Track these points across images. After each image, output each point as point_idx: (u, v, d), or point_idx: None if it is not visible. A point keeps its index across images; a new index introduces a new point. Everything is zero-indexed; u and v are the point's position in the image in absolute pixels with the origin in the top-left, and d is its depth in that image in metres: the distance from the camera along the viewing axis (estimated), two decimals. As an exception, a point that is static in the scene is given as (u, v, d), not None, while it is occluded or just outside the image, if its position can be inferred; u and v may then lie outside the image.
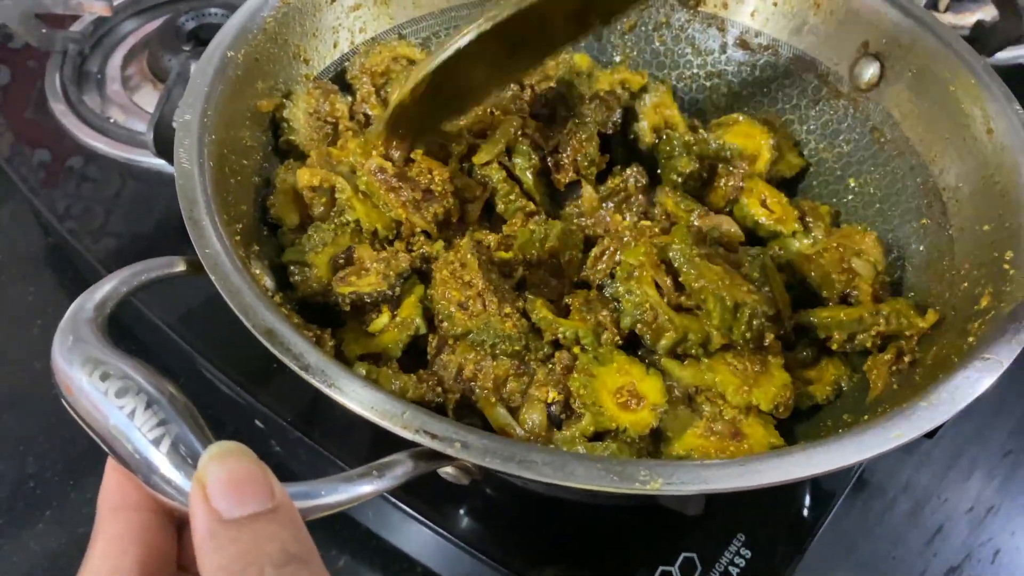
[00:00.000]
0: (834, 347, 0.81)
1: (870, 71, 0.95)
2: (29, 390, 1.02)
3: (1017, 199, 0.76)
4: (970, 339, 0.67)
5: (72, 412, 0.54)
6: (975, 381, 0.62)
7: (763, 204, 0.92)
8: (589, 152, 0.90)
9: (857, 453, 0.57)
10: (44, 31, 1.21)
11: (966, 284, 0.77)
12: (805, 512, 0.85)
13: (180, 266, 0.65)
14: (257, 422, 0.90)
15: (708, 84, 1.08)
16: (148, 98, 1.20)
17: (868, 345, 0.79)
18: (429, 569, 0.90)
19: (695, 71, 1.08)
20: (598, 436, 0.71)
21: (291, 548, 0.44)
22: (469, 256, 0.74)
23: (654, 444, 0.72)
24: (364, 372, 0.69)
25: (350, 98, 0.94)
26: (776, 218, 0.91)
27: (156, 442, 0.50)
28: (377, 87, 0.95)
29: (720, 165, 0.94)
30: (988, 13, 1.32)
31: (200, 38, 1.24)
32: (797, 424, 0.77)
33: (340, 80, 0.97)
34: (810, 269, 0.86)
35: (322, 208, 0.83)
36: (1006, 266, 0.72)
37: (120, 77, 1.23)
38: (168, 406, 0.51)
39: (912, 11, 0.91)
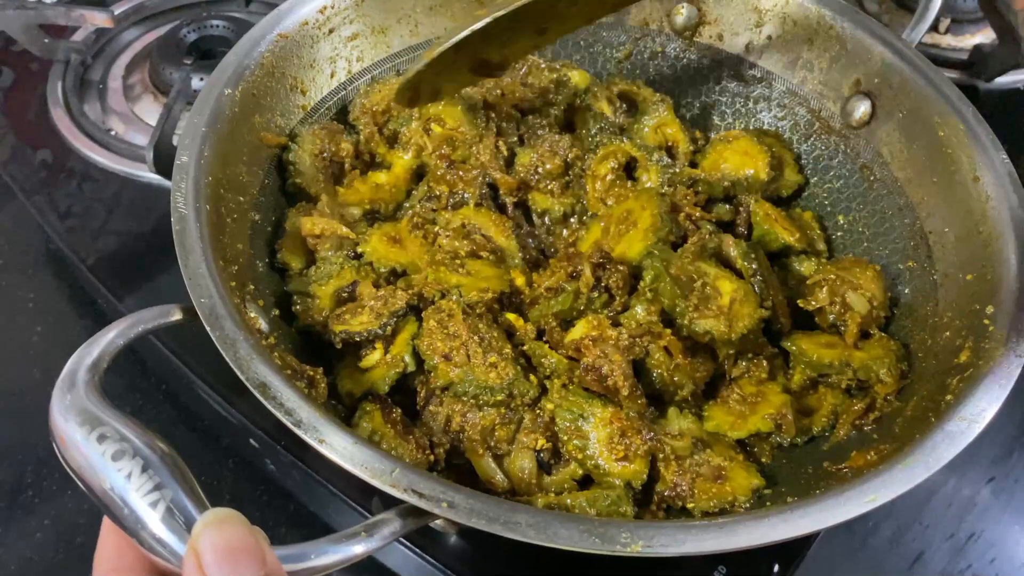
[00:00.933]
0: (796, 379, 0.83)
1: (861, 109, 0.96)
2: (28, 398, 1.03)
3: (999, 251, 0.77)
4: (948, 396, 0.69)
5: (65, 466, 0.56)
6: (950, 445, 0.64)
7: (776, 222, 0.94)
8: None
9: (832, 517, 0.59)
10: (46, 40, 1.22)
11: (948, 333, 0.78)
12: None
13: (176, 315, 0.66)
14: (252, 441, 0.91)
15: (700, 113, 1.09)
16: (148, 108, 1.21)
17: (843, 386, 0.82)
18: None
19: (690, 100, 1.09)
20: (587, 479, 0.73)
21: None
22: (455, 307, 0.75)
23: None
24: (369, 428, 0.71)
25: (355, 135, 0.96)
26: (789, 232, 0.93)
27: (152, 505, 0.51)
28: (379, 125, 0.96)
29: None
30: (987, 36, 1.33)
31: (201, 50, 1.24)
32: (779, 466, 0.79)
33: (342, 118, 0.99)
34: (807, 293, 0.88)
35: (328, 253, 0.85)
36: (986, 321, 0.73)
37: (122, 87, 1.24)
38: (163, 469, 0.53)
39: (905, 53, 0.92)
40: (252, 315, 0.71)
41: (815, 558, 0.88)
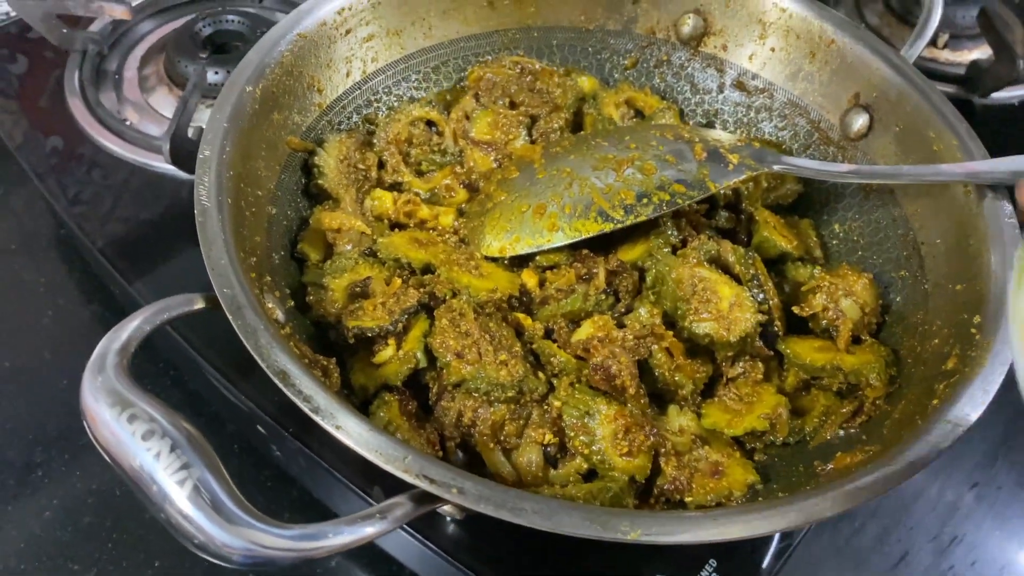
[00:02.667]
0: (790, 380, 0.87)
1: (859, 122, 0.99)
2: (40, 379, 1.05)
3: (987, 264, 0.80)
4: (935, 401, 0.72)
5: (96, 444, 0.59)
6: (934, 446, 0.67)
7: (776, 230, 0.97)
8: None
9: (819, 512, 0.62)
10: (64, 31, 1.23)
11: (936, 341, 0.81)
12: (776, 536, 0.88)
13: (199, 303, 0.69)
14: (259, 427, 0.93)
15: (704, 121, 1.12)
16: (163, 100, 1.23)
17: (834, 388, 0.85)
18: (416, 574, 0.94)
19: (693, 107, 1.12)
20: (592, 472, 0.76)
21: None
22: (466, 307, 0.78)
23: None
24: (386, 418, 0.74)
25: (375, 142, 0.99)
26: (787, 240, 0.96)
27: (180, 483, 0.54)
28: (403, 153, 1.00)
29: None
30: (984, 52, 1.35)
31: (216, 43, 1.26)
32: (772, 463, 0.82)
33: (358, 117, 1.02)
34: (802, 299, 0.91)
35: (347, 247, 0.88)
36: (973, 331, 0.76)
37: (137, 78, 1.26)
38: (190, 450, 0.56)
39: (903, 69, 0.95)
40: (270, 305, 0.74)
41: (802, 556, 0.91)
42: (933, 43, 1.41)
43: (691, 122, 1.12)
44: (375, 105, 1.04)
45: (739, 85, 1.08)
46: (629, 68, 1.12)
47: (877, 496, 0.64)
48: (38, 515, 0.95)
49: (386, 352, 0.80)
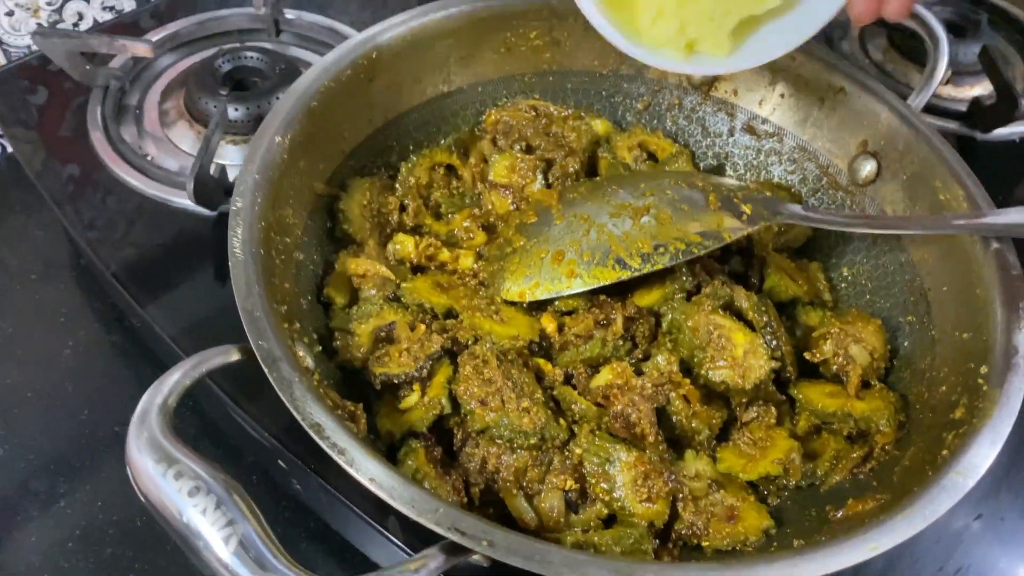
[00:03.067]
0: (802, 424, 0.89)
1: (867, 168, 1.02)
2: (62, 410, 1.07)
3: (994, 313, 0.82)
4: (944, 452, 0.74)
5: (141, 496, 0.61)
6: (947, 497, 0.70)
7: (787, 274, 0.99)
8: None
9: (837, 563, 0.65)
10: (88, 67, 1.26)
11: (944, 388, 0.84)
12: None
13: (235, 355, 0.71)
14: (280, 462, 0.95)
15: (715, 164, 1.15)
16: (182, 134, 1.25)
17: (844, 433, 0.87)
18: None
19: (704, 150, 1.15)
20: (612, 517, 0.79)
21: None
22: (489, 354, 0.81)
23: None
24: (414, 466, 0.77)
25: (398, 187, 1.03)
26: (798, 285, 0.99)
27: (225, 540, 0.57)
28: (423, 197, 1.03)
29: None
30: (986, 89, 1.38)
31: (235, 79, 1.29)
32: (785, 507, 0.85)
33: (380, 161, 1.05)
34: (812, 345, 0.93)
35: (371, 291, 0.91)
36: (980, 380, 0.78)
37: (157, 112, 1.28)
38: (234, 506, 0.58)
39: (909, 119, 0.98)
40: (300, 353, 0.76)
41: None
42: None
43: (702, 164, 1.14)
44: (397, 149, 1.06)
45: (749, 129, 1.11)
46: (642, 111, 1.15)
47: (892, 546, 0.66)
48: (61, 545, 0.96)
49: (412, 398, 0.82)
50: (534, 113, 1.10)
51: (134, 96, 1.31)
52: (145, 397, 0.65)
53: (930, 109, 1.35)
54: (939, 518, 1.04)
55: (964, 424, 0.76)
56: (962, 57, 1.42)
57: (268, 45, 1.38)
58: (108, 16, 1.46)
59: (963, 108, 1.36)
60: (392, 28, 1.01)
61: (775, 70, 1.07)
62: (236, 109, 1.21)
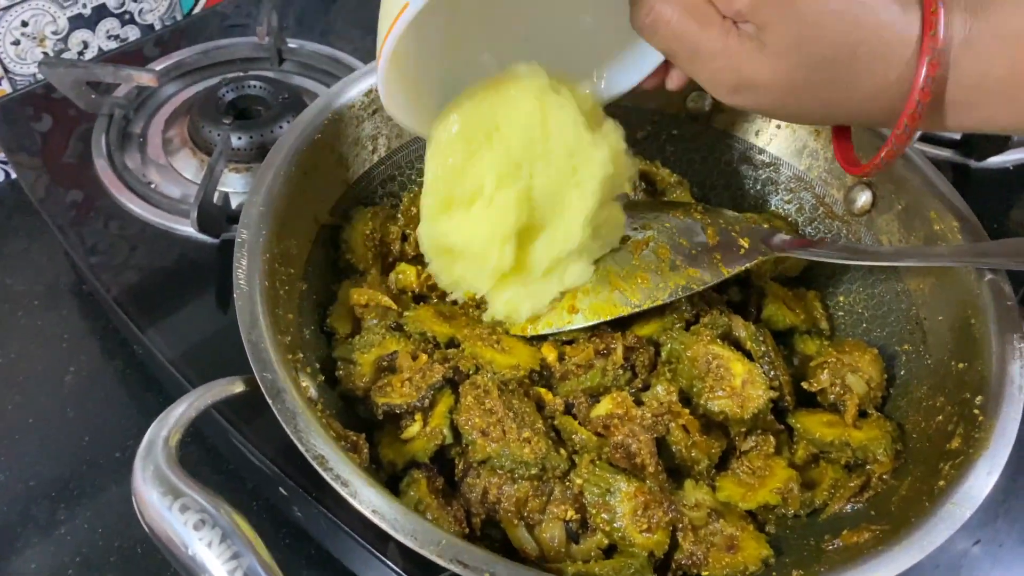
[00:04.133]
0: (800, 453, 0.90)
1: (863, 198, 1.03)
2: (63, 436, 1.07)
3: (989, 346, 0.83)
4: (940, 482, 0.75)
5: (147, 528, 0.62)
6: (944, 528, 0.70)
7: (784, 303, 1.00)
8: None
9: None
10: (93, 96, 1.28)
11: (940, 417, 0.85)
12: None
13: (239, 386, 0.72)
14: (281, 489, 0.95)
15: (712, 194, 1.16)
16: (185, 162, 1.27)
17: (842, 462, 0.88)
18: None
19: (702, 179, 1.16)
20: (612, 547, 0.79)
21: None
22: (491, 384, 0.82)
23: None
24: (416, 497, 0.77)
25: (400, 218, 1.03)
26: (795, 314, 1.00)
27: (231, 573, 0.58)
28: None
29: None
30: None
31: (238, 108, 1.31)
32: (783, 536, 0.85)
33: (383, 190, 1.06)
34: (809, 375, 0.94)
35: (374, 321, 0.92)
36: (976, 411, 0.79)
37: (161, 140, 1.30)
38: (239, 540, 0.59)
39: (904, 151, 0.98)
40: (304, 384, 0.77)
41: None
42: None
43: (701, 193, 1.15)
44: (399, 179, 1.07)
45: (747, 160, 1.13)
46: (641, 140, 1.17)
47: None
48: (61, 572, 0.96)
49: (414, 428, 0.83)
50: None
51: (138, 124, 1.33)
52: (151, 430, 0.65)
53: (924, 137, 1.37)
54: (939, 544, 1.07)
55: (960, 455, 0.77)
56: (957, 85, 1.43)
57: (271, 74, 1.39)
58: (113, 45, 1.48)
59: (957, 136, 1.38)
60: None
61: None
62: (239, 138, 1.22)
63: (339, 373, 0.87)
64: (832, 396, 0.92)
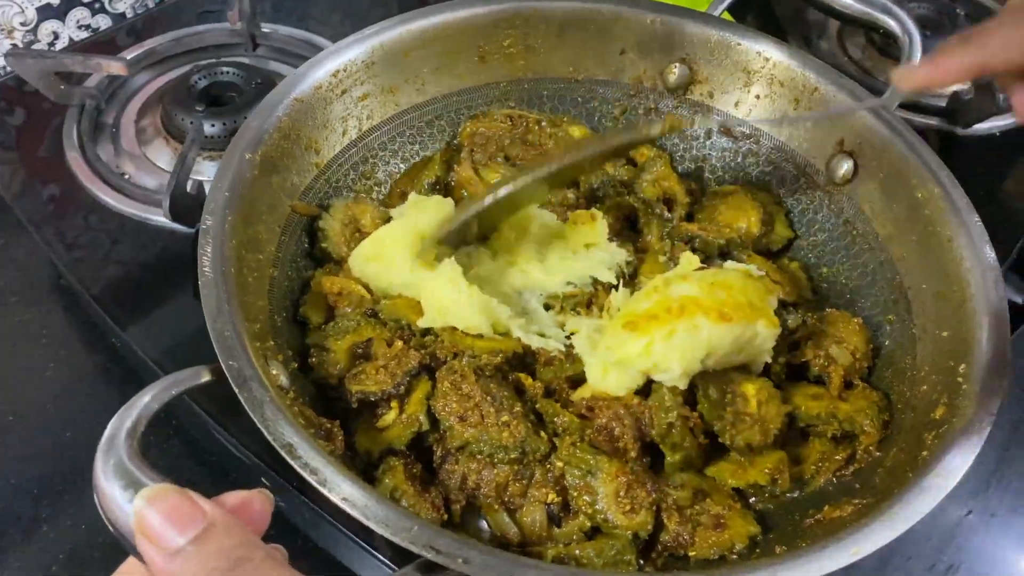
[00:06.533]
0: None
1: (844, 167, 1.02)
2: (43, 432, 1.06)
3: (972, 311, 0.82)
4: (924, 453, 0.74)
5: (108, 523, 0.60)
6: (927, 500, 0.69)
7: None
8: None
9: (818, 569, 0.64)
10: (62, 87, 1.25)
11: (925, 387, 0.84)
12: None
13: (206, 376, 0.70)
14: (263, 480, 0.94)
15: (693, 167, 1.14)
16: (159, 152, 1.25)
17: (829, 435, 0.86)
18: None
19: (682, 153, 1.14)
20: (595, 529, 0.78)
21: (235, 553, 0.51)
22: (467, 369, 0.80)
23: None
24: (391, 484, 0.76)
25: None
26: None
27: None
28: None
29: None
30: (966, 84, 1.35)
31: (211, 95, 1.28)
32: (769, 512, 0.84)
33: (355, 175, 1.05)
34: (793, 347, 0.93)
35: (347, 308, 0.90)
36: (960, 379, 0.78)
37: (134, 130, 1.28)
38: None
39: (884, 117, 0.98)
40: (274, 372, 0.75)
41: None
42: (914, 74, 1.42)
43: (680, 168, 1.14)
44: (371, 161, 1.06)
45: (726, 132, 1.11)
46: (618, 117, 1.15)
47: (873, 550, 0.66)
48: (46, 568, 0.95)
49: (389, 416, 0.82)
50: (510, 123, 1.09)
51: (110, 115, 1.30)
52: (113, 422, 0.64)
53: (910, 106, 1.35)
54: (930, 515, 1.06)
55: (944, 424, 0.76)
56: (941, 52, 1.41)
57: (245, 60, 1.37)
58: (84, 35, 1.46)
59: (943, 104, 1.35)
60: (364, 40, 1.01)
61: (750, 72, 1.07)
62: (212, 125, 1.20)
63: (312, 360, 0.85)
64: (816, 368, 0.91)
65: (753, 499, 0.85)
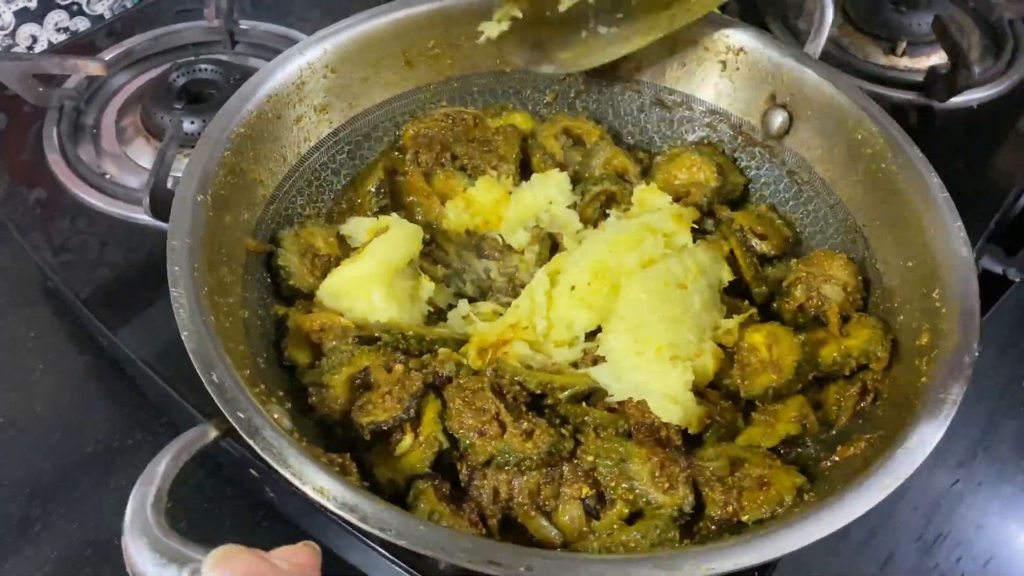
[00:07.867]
0: None
1: (779, 120, 1.04)
2: (33, 433, 1.04)
3: (927, 235, 0.85)
4: (923, 379, 0.77)
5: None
6: (937, 422, 0.72)
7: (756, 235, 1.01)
8: None
9: (855, 510, 0.68)
10: (41, 90, 1.21)
11: (902, 317, 0.87)
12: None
13: (213, 433, 0.68)
14: (252, 471, 0.91)
15: (632, 141, 1.16)
16: (140, 151, 1.21)
17: (846, 373, 0.88)
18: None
19: (618, 129, 1.15)
20: (633, 515, 0.78)
21: None
22: (482, 384, 0.80)
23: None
24: (427, 509, 0.74)
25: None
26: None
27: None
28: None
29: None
30: (942, 58, 1.36)
31: (191, 93, 1.25)
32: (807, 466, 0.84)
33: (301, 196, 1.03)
34: (783, 293, 0.96)
35: (333, 342, 0.87)
36: (937, 304, 0.81)
37: (115, 130, 1.24)
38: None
39: (812, 64, 1.00)
40: (276, 416, 0.71)
41: (790, 561, 0.93)
42: (892, 51, 1.42)
43: (623, 145, 1.14)
44: (315, 184, 1.04)
45: (659, 102, 1.12)
46: (551, 102, 1.15)
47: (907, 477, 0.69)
48: (39, 568, 0.94)
49: (405, 442, 0.80)
50: (449, 121, 1.08)
51: (90, 115, 1.26)
52: (135, 496, 0.61)
53: (887, 81, 1.36)
54: (918, 485, 1.05)
55: (933, 348, 0.78)
56: (916, 28, 1.41)
57: (224, 57, 1.33)
58: (63, 38, 1.41)
59: (920, 78, 1.35)
60: (290, 60, 0.99)
61: (674, 40, 1.08)
62: (192, 122, 1.17)
63: (312, 400, 0.82)
64: (812, 310, 0.92)
65: (789, 454, 0.86)
